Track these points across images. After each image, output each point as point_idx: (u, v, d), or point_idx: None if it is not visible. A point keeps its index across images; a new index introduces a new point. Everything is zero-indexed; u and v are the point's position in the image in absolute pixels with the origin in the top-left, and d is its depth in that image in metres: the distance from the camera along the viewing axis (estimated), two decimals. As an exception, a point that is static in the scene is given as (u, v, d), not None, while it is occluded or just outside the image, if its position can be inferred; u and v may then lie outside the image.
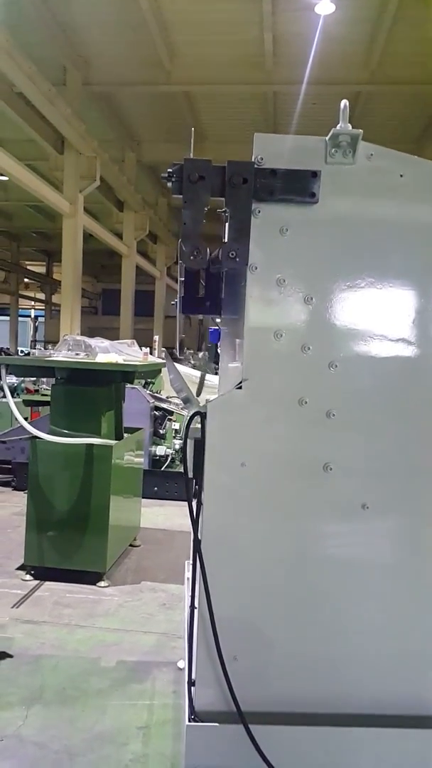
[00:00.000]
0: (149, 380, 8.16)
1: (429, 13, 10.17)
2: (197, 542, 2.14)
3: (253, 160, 2.07)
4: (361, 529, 2.20)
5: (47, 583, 4.50)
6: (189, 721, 2.12)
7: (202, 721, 2.12)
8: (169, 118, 14.57)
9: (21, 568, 4.67)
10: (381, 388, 2.20)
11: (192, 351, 14.99)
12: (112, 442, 4.66)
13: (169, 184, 2.06)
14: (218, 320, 3.13)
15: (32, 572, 4.57)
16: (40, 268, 31.26)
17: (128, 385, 5.73)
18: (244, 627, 2.17)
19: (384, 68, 11.80)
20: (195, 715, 2.13)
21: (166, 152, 13.34)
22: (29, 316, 35.01)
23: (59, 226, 14.04)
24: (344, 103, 2.07)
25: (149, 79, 12.39)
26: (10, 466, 7.48)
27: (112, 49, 11.76)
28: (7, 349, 20.78)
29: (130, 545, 5.37)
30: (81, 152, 12.95)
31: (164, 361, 7.89)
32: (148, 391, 7.89)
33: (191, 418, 2.15)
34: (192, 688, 2.18)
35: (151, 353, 7.94)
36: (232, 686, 2.10)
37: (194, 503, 2.20)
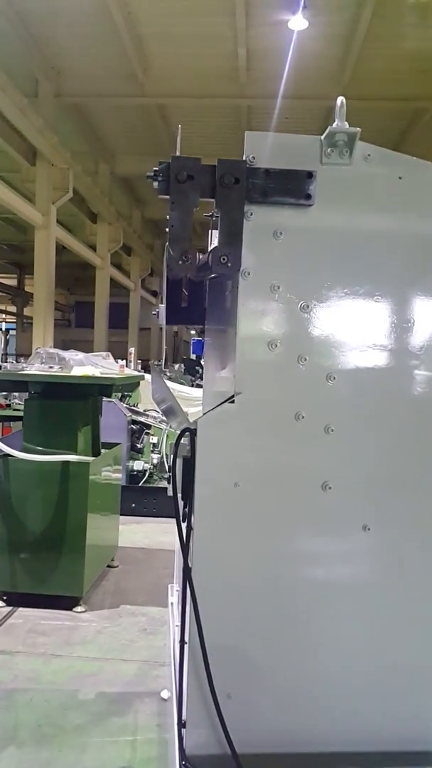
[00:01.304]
0: (126, 393, 7.96)
1: (400, 31, 10.33)
2: (188, 570, 1.98)
3: (244, 158, 1.94)
4: (362, 553, 2.06)
5: (21, 609, 4.26)
6: (180, 767, 1.94)
7: (194, 767, 1.94)
8: (143, 130, 14.52)
9: (-8, 593, 4.43)
10: (382, 401, 2.07)
11: (167, 363, 14.85)
12: (89, 458, 4.46)
13: (155, 184, 1.92)
14: (193, 331, 2.98)
15: (4, 598, 4.33)
16: (11, 281, 30.77)
17: (105, 399, 5.54)
18: (239, 662, 2.01)
19: (356, 84, 11.93)
20: (186, 761, 1.95)
21: (140, 164, 13.25)
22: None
23: (31, 239, 13.81)
24: (341, 99, 1.96)
25: (123, 91, 12.33)
26: (-20, 485, 7.19)
27: (86, 61, 11.68)
28: (-22, 363, 20.33)
29: (108, 566, 5.15)
30: (53, 164, 12.79)
31: (141, 373, 7.73)
32: (125, 405, 7.70)
33: (180, 435, 2.00)
34: (182, 729, 2.00)
35: (127, 365, 7.77)
36: (227, 727, 1.94)
37: (183, 526, 2.03)
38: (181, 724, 2.03)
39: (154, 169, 1.92)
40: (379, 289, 2.05)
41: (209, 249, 2.16)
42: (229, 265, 1.94)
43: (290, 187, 1.95)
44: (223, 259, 1.93)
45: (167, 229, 1.97)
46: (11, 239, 23.34)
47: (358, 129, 1.94)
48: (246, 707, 2.01)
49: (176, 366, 14.91)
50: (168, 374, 12.91)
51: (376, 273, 2.05)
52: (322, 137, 1.98)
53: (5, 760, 2.71)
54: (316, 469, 2.04)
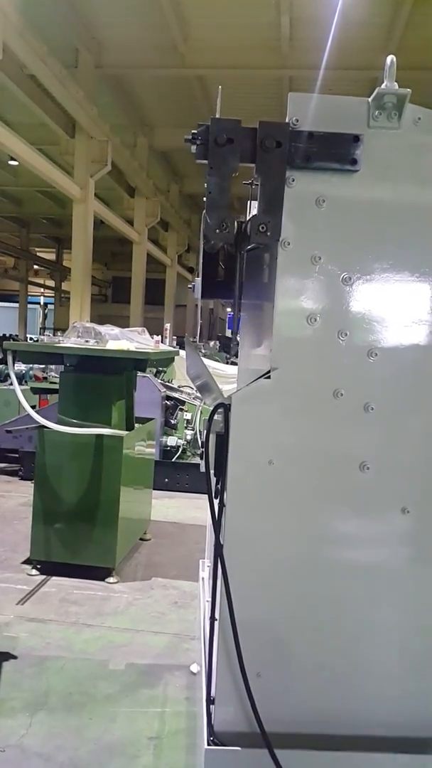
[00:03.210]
0: (161, 369, 7.96)
1: (451, -5, 9.84)
2: (219, 547, 1.95)
3: (287, 121, 1.85)
4: (400, 535, 2.00)
5: (54, 578, 4.33)
6: (208, 744, 1.93)
7: (223, 744, 1.93)
8: (183, 102, 14.28)
9: (27, 562, 4.51)
10: (426, 379, 1.98)
11: (202, 339, 14.82)
12: (123, 432, 4.48)
13: (193, 148, 1.84)
14: (228, 309, 2.90)
15: (38, 567, 4.41)
16: (49, 255, 31.04)
17: (139, 374, 5.54)
18: (269, 641, 1.98)
19: (404, 53, 11.42)
20: (214, 737, 1.94)
21: (179, 138, 12.87)
22: (39, 303, 34.89)
23: (69, 213, 13.82)
24: (391, 58, 1.84)
25: (163, 62, 12.11)
26: (17, 455, 7.34)
27: (126, 31, 11.48)
28: (16, 335, 20.66)
29: (141, 539, 5.20)
30: (92, 136, 12.70)
31: (176, 349, 7.70)
32: (159, 380, 7.70)
33: (214, 410, 1.95)
34: (211, 705, 1.99)
35: (162, 342, 7.75)
36: (256, 705, 1.91)
37: (216, 503, 2.00)
38: (210, 700, 2.02)
39: (192, 132, 1.84)
40: (426, 262, 1.95)
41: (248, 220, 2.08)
42: (269, 234, 1.86)
43: (335, 151, 1.85)
44: (262, 227, 1.85)
45: (204, 198, 1.90)
46: (50, 213, 23.49)
47: (408, 90, 1.82)
48: (275, 686, 1.98)
49: (211, 343, 14.85)
50: (203, 351, 12.86)
51: (424, 244, 1.94)
52: (370, 99, 1.87)
53: (36, 725, 2.76)
54: (354, 448, 1.98)
